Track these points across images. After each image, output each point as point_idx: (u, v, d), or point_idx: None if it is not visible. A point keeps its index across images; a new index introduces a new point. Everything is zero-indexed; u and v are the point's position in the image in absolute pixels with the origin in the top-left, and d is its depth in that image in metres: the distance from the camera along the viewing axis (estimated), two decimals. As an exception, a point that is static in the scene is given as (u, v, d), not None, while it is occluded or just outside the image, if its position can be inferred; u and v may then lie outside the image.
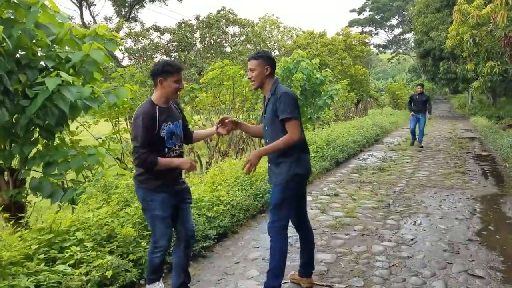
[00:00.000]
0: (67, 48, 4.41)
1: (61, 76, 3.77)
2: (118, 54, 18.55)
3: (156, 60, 18.94)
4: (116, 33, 4.86)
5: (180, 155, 2.81)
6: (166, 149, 2.69)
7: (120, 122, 6.48)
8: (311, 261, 3.05)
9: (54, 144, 4.49)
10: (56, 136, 4.46)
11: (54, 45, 4.28)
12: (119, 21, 17.61)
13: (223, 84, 7.53)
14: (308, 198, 5.66)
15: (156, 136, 2.62)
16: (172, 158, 2.69)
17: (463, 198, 5.65)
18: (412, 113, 11.11)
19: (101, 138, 6.40)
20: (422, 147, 10.89)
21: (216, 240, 3.81)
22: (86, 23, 17.89)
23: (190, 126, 7.40)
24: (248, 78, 2.85)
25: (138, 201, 3.13)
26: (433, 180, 6.82)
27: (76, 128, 6.06)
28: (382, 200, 5.52)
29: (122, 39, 16.58)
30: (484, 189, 6.23)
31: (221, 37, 19.27)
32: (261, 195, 4.96)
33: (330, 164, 7.83)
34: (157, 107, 2.65)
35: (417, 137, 11.19)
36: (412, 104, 11.15)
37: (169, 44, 18.83)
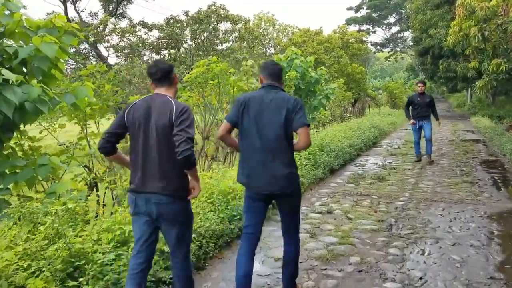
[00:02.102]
0: (21, 42, 3.73)
1: (3, 75, 3.07)
2: (103, 51, 17.68)
3: (145, 58, 18.05)
4: (76, 24, 4.10)
5: None
6: None
7: (88, 126, 5.73)
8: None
9: (5, 152, 3.79)
10: (11, 143, 3.80)
11: (4, 38, 3.58)
12: (104, 16, 16.68)
13: (208, 82, 6.76)
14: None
15: None
16: None
17: (476, 216, 4.87)
18: (411, 121, 8.27)
19: (65, 144, 5.70)
20: (432, 161, 8.38)
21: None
22: (71, 19, 16.98)
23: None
24: None
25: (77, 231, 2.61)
26: (439, 193, 6.03)
27: (40, 133, 5.40)
28: (382, 220, 4.72)
29: (106, 36, 15.66)
30: (498, 203, 5.45)
31: (212, 33, 18.41)
32: (238, 216, 4.14)
33: (323, 172, 7.03)
34: None
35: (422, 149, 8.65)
36: (411, 108, 8.34)
37: (158, 41, 17.96)
